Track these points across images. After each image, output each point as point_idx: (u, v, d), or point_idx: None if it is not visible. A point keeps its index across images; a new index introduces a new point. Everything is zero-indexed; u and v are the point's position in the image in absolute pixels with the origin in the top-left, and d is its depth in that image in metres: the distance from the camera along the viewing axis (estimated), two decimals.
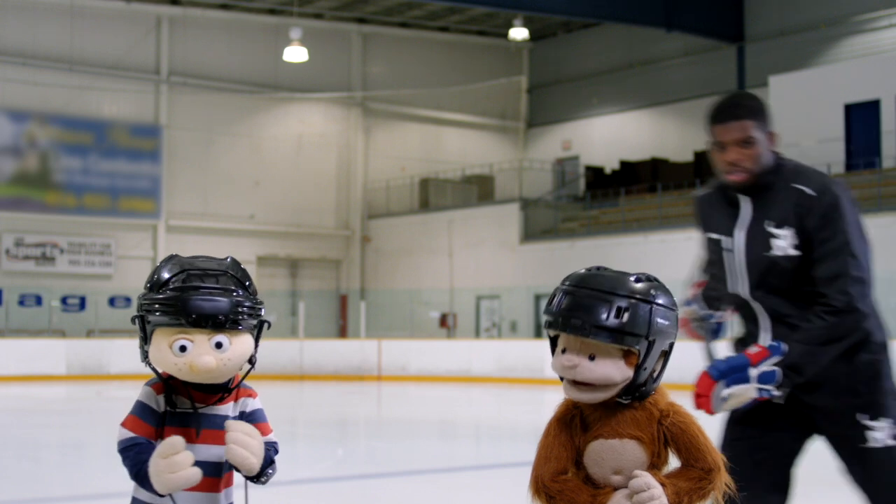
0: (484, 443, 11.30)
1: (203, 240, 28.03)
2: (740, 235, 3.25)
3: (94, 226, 28.03)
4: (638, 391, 2.29)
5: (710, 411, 3.08)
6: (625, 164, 30.26)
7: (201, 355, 2.06)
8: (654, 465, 2.28)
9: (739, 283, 3.27)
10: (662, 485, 2.23)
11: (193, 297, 2.03)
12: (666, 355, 2.31)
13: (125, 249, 28.21)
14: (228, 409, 2.22)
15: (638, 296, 2.27)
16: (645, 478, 2.22)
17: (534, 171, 31.72)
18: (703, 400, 3.07)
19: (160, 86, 28.94)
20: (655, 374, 2.31)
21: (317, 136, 30.93)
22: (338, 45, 31.35)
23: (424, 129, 33.08)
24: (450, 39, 32.86)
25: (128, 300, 26.76)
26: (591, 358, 2.25)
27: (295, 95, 30.32)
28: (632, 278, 2.31)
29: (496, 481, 8.30)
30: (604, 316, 2.23)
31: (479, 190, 31.19)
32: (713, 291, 3.49)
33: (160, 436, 2.13)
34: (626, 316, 2.24)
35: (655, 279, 2.35)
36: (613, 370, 2.24)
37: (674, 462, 2.32)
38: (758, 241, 3.21)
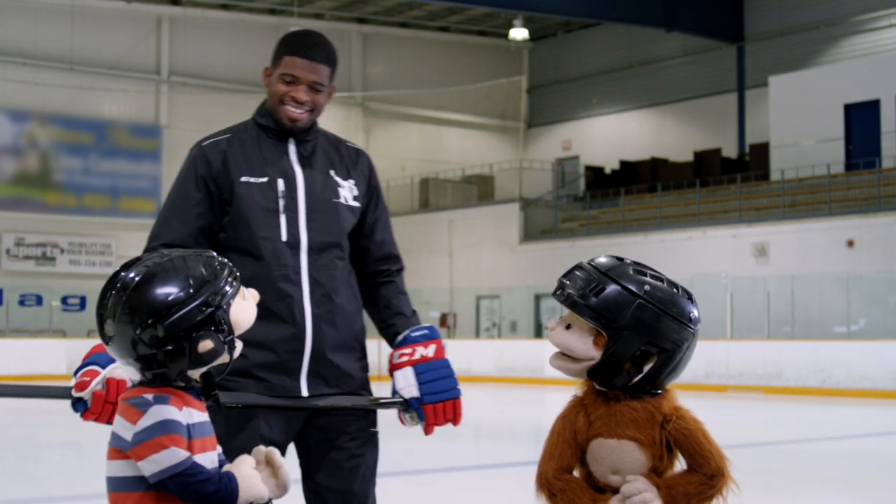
0: (484, 443, 11.30)
1: None
2: (301, 177, 2.93)
3: (94, 226, 28.03)
4: (610, 381, 2.28)
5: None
6: (625, 164, 30.26)
7: (250, 290, 2.27)
8: (657, 468, 2.27)
9: (292, 232, 2.89)
10: (658, 487, 2.23)
11: None
12: (659, 359, 2.27)
13: (125, 249, 28.19)
14: None
15: (625, 284, 2.28)
16: (637, 482, 2.22)
17: (534, 171, 31.70)
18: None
19: (160, 86, 28.95)
20: (638, 373, 2.27)
21: None
22: (338, 45, 31.12)
23: (424, 129, 33.07)
24: (450, 39, 32.86)
25: None
26: (568, 327, 2.31)
27: None
28: (640, 272, 2.31)
29: (496, 481, 8.29)
30: (583, 290, 2.28)
31: (479, 190, 31.20)
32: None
33: (191, 448, 2.11)
34: (600, 295, 2.27)
35: (672, 284, 2.32)
36: (577, 343, 2.29)
37: (680, 466, 2.31)
38: (322, 184, 2.94)
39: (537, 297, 26.69)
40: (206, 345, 2.08)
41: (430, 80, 32.37)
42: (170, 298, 2.06)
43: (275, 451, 2.16)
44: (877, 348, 18.47)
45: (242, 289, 2.19)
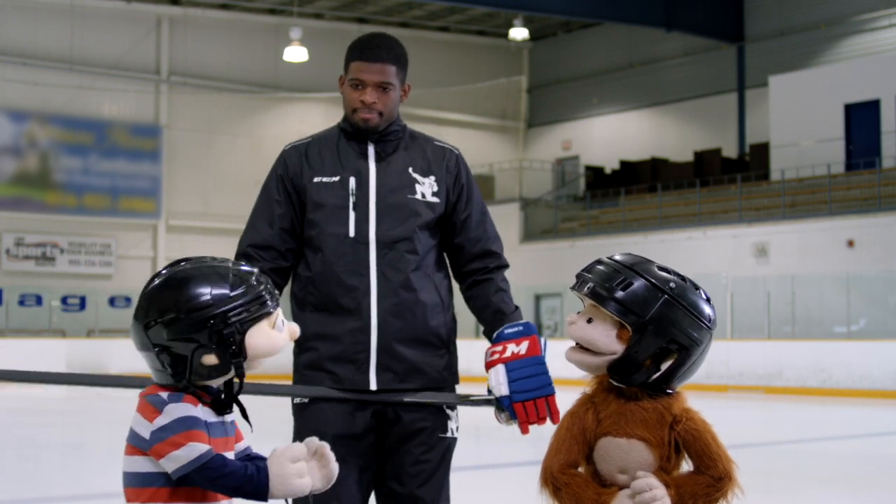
0: (484, 443, 11.29)
1: (203, 240, 28.00)
2: (373, 175, 3.00)
3: (94, 226, 28.02)
4: (628, 377, 2.28)
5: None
6: (625, 164, 30.25)
7: (291, 323, 2.26)
8: (664, 469, 2.27)
9: (360, 227, 2.95)
10: (666, 485, 2.23)
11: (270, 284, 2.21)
12: (678, 358, 2.28)
13: (125, 249, 28.20)
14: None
15: (651, 279, 2.29)
16: (647, 478, 2.22)
17: (534, 171, 31.70)
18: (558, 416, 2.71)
19: (160, 86, 28.94)
20: (656, 371, 2.28)
21: None
22: (338, 45, 31.25)
23: (424, 129, 32.63)
24: (450, 39, 32.85)
25: (128, 300, 26.71)
26: (590, 321, 2.31)
27: (295, 95, 30.31)
28: (664, 269, 2.34)
29: (496, 481, 8.29)
30: (608, 283, 2.29)
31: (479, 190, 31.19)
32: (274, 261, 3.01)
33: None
34: (628, 289, 2.27)
35: (693, 284, 2.33)
36: (600, 336, 2.29)
37: (686, 468, 2.31)
38: (396, 181, 3.00)
39: (537, 297, 26.67)
40: (209, 359, 2.09)
41: (430, 79, 32.34)
42: (179, 303, 2.07)
43: (325, 446, 2.16)
44: (877, 348, 18.47)
45: (279, 318, 2.18)
